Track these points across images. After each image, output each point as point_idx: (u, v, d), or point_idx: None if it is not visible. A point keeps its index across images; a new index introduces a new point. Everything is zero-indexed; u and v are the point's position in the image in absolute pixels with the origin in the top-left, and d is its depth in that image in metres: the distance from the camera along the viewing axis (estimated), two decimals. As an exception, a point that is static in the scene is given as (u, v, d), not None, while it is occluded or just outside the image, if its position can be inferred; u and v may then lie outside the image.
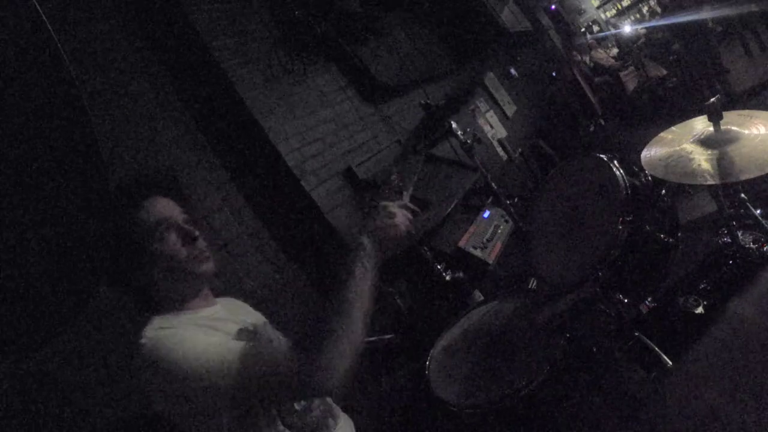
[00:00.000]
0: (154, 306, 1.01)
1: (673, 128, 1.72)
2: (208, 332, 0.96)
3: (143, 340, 0.90)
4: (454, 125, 2.31)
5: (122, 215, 1.00)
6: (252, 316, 1.21)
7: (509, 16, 5.12)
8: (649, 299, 1.63)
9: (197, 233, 1.03)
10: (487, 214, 2.97)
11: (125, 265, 1.00)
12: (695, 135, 1.59)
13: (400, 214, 1.08)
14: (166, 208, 1.02)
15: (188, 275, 1.01)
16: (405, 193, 1.26)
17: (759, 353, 1.00)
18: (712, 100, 1.50)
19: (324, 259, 2.49)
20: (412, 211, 1.14)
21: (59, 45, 1.11)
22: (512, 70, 5.72)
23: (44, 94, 1.15)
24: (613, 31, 7.76)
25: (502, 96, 5.24)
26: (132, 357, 0.91)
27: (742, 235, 1.77)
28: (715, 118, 1.51)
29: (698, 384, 1.02)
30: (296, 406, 1.04)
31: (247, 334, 1.05)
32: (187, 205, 1.09)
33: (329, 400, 1.16)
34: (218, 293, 1.19)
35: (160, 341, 0.89)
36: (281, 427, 0.98)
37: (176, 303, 1.02)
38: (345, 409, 1.21)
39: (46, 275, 1.32)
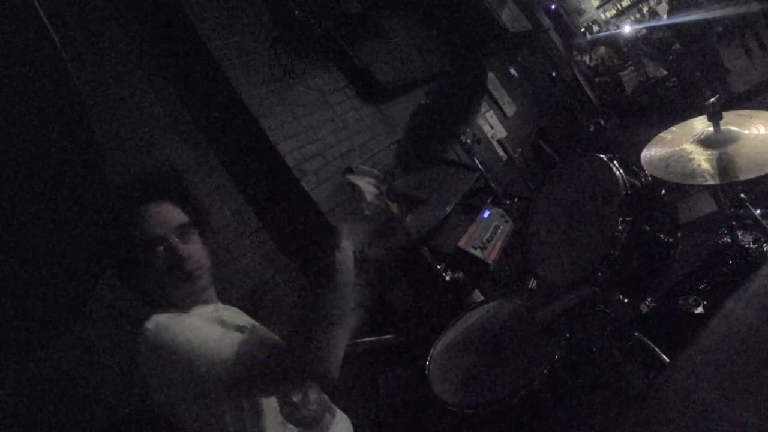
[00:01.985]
0: (158, 303, 1.02)
1: (673, 128, 1.72)
2: (211, 324, 0.98)
3: (148, 325, 0.92)
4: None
5: (119, 222, 1.00)
6: (248, 319, 1.22)
7: (509, 16, 5.11)
8: (649, 299, 1.63)
9: (188, 252, 1.01)
10: (487, 214, 2.97)
11: (121, 268, 1.03)
12: (695, 135, 1.59)
13: (362, 184, 1.09)
14: (160, 220, 1.00)
15: (180, 288, 1.02)
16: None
17: (757, 353, 1.00)
18: (712, 100, 1.50)
19: (321, 266, 2.49)
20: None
21: (59, 45, 1.11)
22: (512, 70, 5.72)
23: (44, 94, 1.15)
24: (612, 31, 7.76)
25: (502, 96, 5.24)
26: (136, 344, 0.92)
27: (742, 235, 1.77)
28: (715, 118, 1.51)
29: (697, 384, 1.02)
30: (294, 398, 1.05)
31: (246, 330, 1.07)
32: (190, 206, 1.08)
33: (326, 396, 1.17)
34: (217, 294, 1.19)
35: (163, 326, 0.91)
36: (280, 419, 1.00)
37: (175, 304, 1.03)
38: (344, 409, 1.21)
39: (45, 275, 1.32)
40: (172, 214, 1.03)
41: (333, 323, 0.89)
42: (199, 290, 1.05)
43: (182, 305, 1.03)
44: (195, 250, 1.03)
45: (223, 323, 1.03)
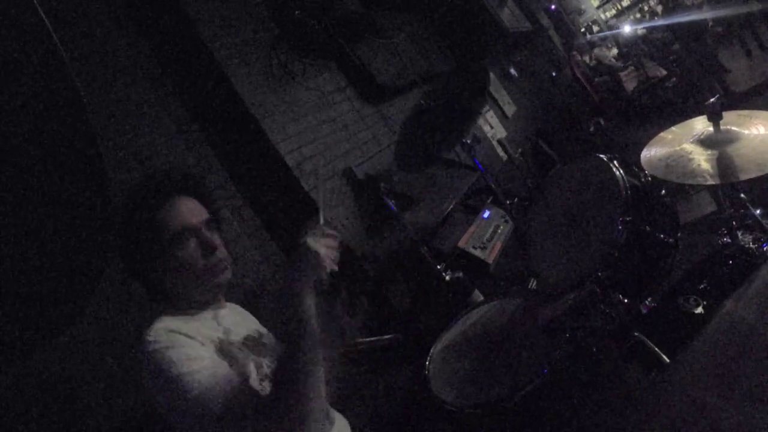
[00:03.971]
0: (165, 301, 1.02)
1: (673, 128, 1.73)
2: (212, 347, 0.95)
3: (148, 340, 0.90)
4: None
5: (140, 215, 0.99)
6: (257, 325, 1.22)
7: (509, 16, 5.12)
8: (649, 299, 1.63)
9: (218, 242, 1.02)
10: (487, 214, 2.97)
11: (141, 264, 1.01)
12: (695, 135, 1.59)
13: (323, 251, 0.94)
14: (190, 211, 1.02)
15: (203, 284, 1.01)
16: (320, 212, 1.05)
17: (757, 353, 1.00)
18: (712, 100, 1.50)
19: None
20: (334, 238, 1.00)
21: (59, 45, 1.11)
22: (512, 70, 5.72)
23: (43, 94, 1.15)
24: (612, 31, 7.76)
25: (502, 96, 5.24)
26: (137, 351, 0.91)
27: (742, 235, 1.77)
28: (715, 118, 1.51)
29: (696, 384, 1.02)
30: None
31: (253, 340, 1.07)
32: (212, 206, 1.09)
33: (325, 403, 1.16)
34: (227, 298, 1.19)
35: (162, 351, 0.88)
36: None
37: (186, 302, 1.03)
38: (343, 410, 1.21)
39: (45, 274, 1.32)
40: (198, 208, 1.04)
41: (308, 378, 0.85)
42: (219, 287, 1.05)
43: (193, 303, 1.03)
44: (221, 242, 1.05)
45: (227, 336, 1.01)
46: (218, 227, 1.08)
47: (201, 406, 0.84)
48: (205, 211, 1.06)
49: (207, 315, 1.05)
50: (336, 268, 0.96)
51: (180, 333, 0.92)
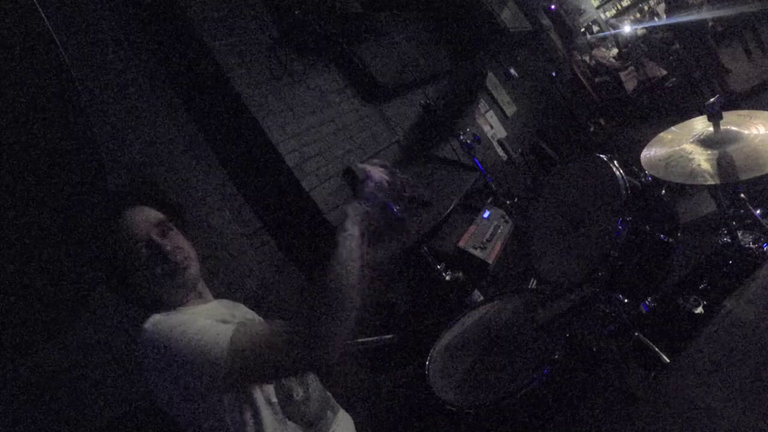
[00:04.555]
0: (152, 306, 1.03)
1: (673, 128, 1.72)
2: (206, 319, 0.98)
3: (146, 326, 0.93)
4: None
5: (106, 227, 1.04)
6: (248, 313, 1.23)
7: (509, 16, 5.12)
8: (649, 299, 1.64)
9: (170, 245, 1.04)
10: (487, 214, 2.97)
11: (114, 272, 1.04)
12: (695, 135, 1.59)
13: (374, 171, 1.07)
14: (136, 224, 1.04)
15: (176, 280, 1.04)
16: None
17: (757, 353, 1.00)
18: (712, 100, 1.50)
19: (324, 259, 2.49)
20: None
21: (59, 45, 1.11)
22: (512, 70, 5.73)
23: (43, 95, 1.15)
24: (612, 31, 7.76)
25: (502, 96, 5.24)
26: (135, 345, 0.93)
27: (742, 235, 1.77)
28: (715, 118, 1.51)
29: (697, 384, 1.02)
30: (295, 396, 1.05)
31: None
32: (164, 204, 1.11)
33: (329, 393, 1.17)
34: (217, 294, 1.20)
35: (160, 324, 0.92)
36: (280, 416, 0.99)
37: (171, 301, 1.05)
38: (345, 408, 1.21)
39: (45, 275, 1.32)
40: (148, 214, 1.06)
41: (336, 306, 0.88)
42: (190, 284, 1.07)
43: (176, 304, 1.04)
44: (177, 242, 1.06)
45: (224, 321, 1.03)
46: (176, 224, 1.10)
47: (211, 350, 0.86)
48: (158, 213, 1.08)
49: (198, 309, 1.07)
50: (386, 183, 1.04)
51: (173, 315, 0.96)
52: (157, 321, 0.94)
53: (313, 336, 0.87)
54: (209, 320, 0.95)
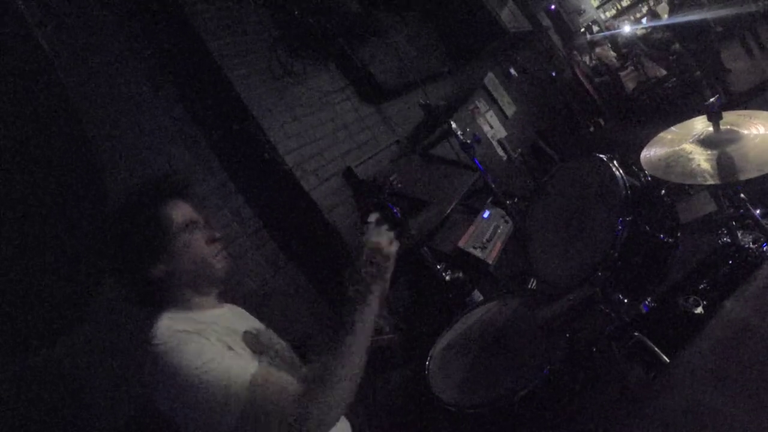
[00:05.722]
0: (161, 301, 1.02)
1: (673, 128, 1.72)
2: (219, 344, 0.95)
3: (157, 342, 0.90)
4: (453, 125, 2.31)
5: (147, 210, 1.04)
6: (254, 323, 1.22)
7: (509, 17, 5.11)
8: (649, 299, 1.63)
9: (218, 235, 1.10)
10: (487, 214, 2.97)
11: (144, 257, 1.02)
12: (695, 135, 1.59)
13: (384, 239, 1.05)
14: (182, 212, 1.07)
15: (208, 272, 1.06)
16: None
17: (757, 353, 1.00)
18: (712, 100, 1.49)
19: (324, 258, 2.49)
20: (391, 225, 1.10)
21: (53, 47, 1.11)
22: (512, 70, 5.72)
23: (39, 99, 1.15)
24: (612, 31, 7.76)
25: (502, 96, 5.24)
26: (142, 357, 0.91)
27: (742, 235, 1.77)
28: (715, 118, 1.50)
29: (696, 384, 1.02)
30: None
31: (251, 337, 1.08)
32: (198, 209, 1.13)
33: None
34: (224, 299, 1.20)
35: (174, 350, 0.89)
36: None
37: (187, 300, 1.04)
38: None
39: (46, 275, 1.32)
40: (186, 209, 1.09)
41: (352, 371, 0.93)
42: (211, 288, 1.09)
43: (190, 304, 1.04)
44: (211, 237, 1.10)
45: (229, 333, 1.02)
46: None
47: (221, 403, 0.85)
48: (193, 212, 1.11)
49: (207, 313, 1.06)
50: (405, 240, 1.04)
51: (187, 332, 0.93)
52: (169, 339, 0.90)
53: (322, 404, 0.89)
54: (219, 354, 0.91)
